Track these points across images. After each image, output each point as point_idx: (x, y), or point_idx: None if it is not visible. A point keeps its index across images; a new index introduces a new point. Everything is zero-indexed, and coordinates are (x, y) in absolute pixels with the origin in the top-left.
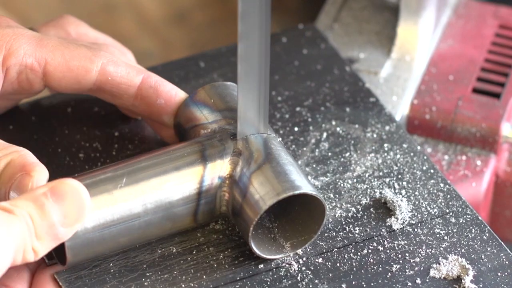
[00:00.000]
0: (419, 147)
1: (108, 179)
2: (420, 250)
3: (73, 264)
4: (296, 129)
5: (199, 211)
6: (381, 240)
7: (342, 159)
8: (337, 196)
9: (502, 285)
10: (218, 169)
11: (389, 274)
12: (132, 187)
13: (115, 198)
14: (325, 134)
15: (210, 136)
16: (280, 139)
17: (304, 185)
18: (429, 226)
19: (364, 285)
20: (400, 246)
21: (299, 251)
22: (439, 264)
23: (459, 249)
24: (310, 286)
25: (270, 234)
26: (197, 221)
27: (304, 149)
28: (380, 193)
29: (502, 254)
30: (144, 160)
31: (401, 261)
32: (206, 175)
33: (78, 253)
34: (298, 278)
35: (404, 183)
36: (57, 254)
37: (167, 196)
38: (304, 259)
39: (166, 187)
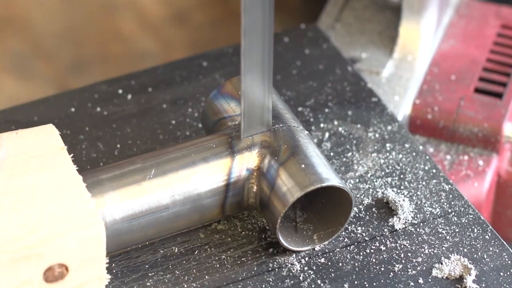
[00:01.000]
0: (421, 147)
1: (137, 170)
2: (423, 249)
3: None
4: None
5: (227, 203)
6: (383, 240)
7: (344, 159)
8: None
9: (504, 285)
10: (246, 161)
11: (392, 274)
12: (160, 178)
13: (144, 189)
14: (327, 134)
15: (238, 128)
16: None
17: (332, 177)
18: (431, 226)
19: (367, 285)
20: (402, 246)
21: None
22: (442, 263)
23: (461, 248)
24: (313, 286)
25: (297, 226)
26: (225, 212)
27: None
28: (382, 193)
29: (505, 254)
30: (173, 151)
31: (403, 261)
32: (234, 167)
33: (107, 244)
34: (301, 278)
35: (406, 183)
36: None
37: (196, 187)
38: (307, 259)
39: (195, 179)
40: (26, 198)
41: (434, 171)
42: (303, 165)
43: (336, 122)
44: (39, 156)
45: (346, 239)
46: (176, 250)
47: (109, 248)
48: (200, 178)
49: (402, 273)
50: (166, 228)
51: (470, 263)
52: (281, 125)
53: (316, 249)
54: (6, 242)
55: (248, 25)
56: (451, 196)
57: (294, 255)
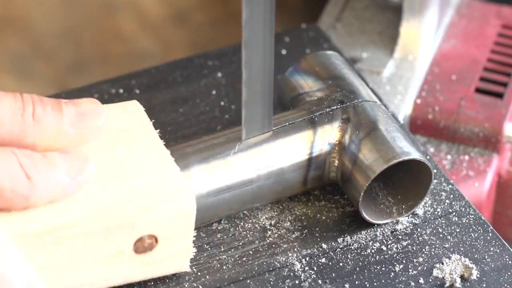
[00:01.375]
0: (421, 147)
1: (221, 145)
2: (423, 250)
3: None
4: None
5: (309, 177)
6: (384, 240)
7: None
8: (340, 195)
9: (505, 285)
10: (328, 136)
11: (392, 274)
12: (244, 153)
13: (229, 163)
14: None
15: (317, 103)
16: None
17: (412, 151)
18: (432, 226)
19: (367, 285)
20: (403, 246)
21: (303, 251)
22: (442, 264)
23: (462, 249)
24: (314, 286)
25: (377, 199)
26: (306, 186)
27: None
28: None
29: (505, 254)
30: None
31: (404, 261)
32: (316, 141)
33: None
34: (302, 278)
35: None
36: None
37: (279, 162)
38: (308, 259)
39: (278, 153)
40: (118, 169)
41: (434, 171)
42: (384, 139)
43: None
44: (128, 129)
45: (347, 239)
46: None
47: (196, 222)
48: (283, 152)
49: (403, 273)
50: (249, 201)
51: (471, 263)
52: (360, 100)
53: (316, 249)
54: (101, 211)
55: (249, 34)
56: (451, 196)
57: (295, 255)
